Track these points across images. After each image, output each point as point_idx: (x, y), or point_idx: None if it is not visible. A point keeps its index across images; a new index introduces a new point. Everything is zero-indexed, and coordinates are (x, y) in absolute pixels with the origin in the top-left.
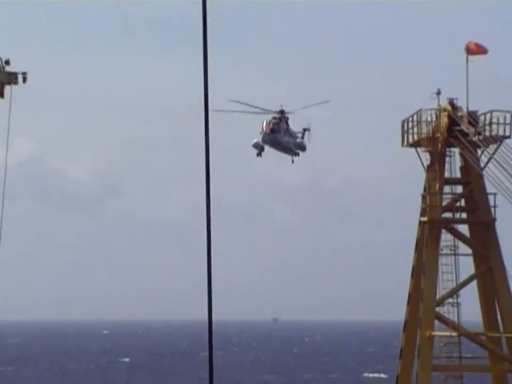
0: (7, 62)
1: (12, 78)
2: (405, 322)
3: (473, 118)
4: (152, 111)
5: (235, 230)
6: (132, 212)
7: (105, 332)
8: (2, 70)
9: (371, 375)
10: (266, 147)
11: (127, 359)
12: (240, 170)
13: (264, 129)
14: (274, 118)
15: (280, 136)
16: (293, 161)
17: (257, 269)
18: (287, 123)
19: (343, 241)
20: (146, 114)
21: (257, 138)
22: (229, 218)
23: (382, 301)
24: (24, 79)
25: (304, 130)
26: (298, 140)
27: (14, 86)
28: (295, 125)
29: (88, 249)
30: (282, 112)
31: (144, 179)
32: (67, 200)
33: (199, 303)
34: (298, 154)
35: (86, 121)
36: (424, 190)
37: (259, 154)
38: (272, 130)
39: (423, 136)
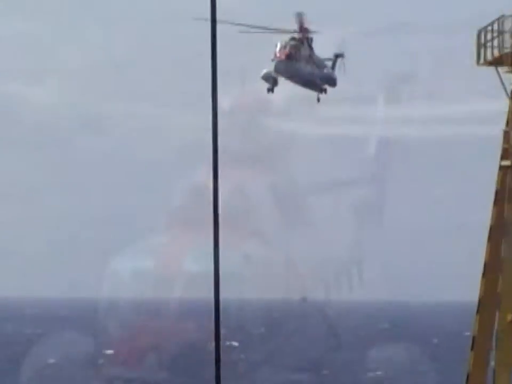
0: None
1: None
2: (479, 301)
3: None
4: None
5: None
6: (112, 148)
7: None
8: None
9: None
10: (281, 79)
11: None
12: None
13: (278, 54)
14: (293, 39)
15: (300, 65)
16: (318, 99)
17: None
18: (310, 46)
19: None
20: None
21: (269, 68)
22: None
23: (444, 277)
24: None
25: (336, 56)
26: (326, 71)
27: None
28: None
29: (57, 191)
30: (304, 30)
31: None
32: (29, 133)
33: None
34: (325, 90)
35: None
36: (507, 125)
37: (270, 89)
38: (289, 56)
39: (507, 51)
